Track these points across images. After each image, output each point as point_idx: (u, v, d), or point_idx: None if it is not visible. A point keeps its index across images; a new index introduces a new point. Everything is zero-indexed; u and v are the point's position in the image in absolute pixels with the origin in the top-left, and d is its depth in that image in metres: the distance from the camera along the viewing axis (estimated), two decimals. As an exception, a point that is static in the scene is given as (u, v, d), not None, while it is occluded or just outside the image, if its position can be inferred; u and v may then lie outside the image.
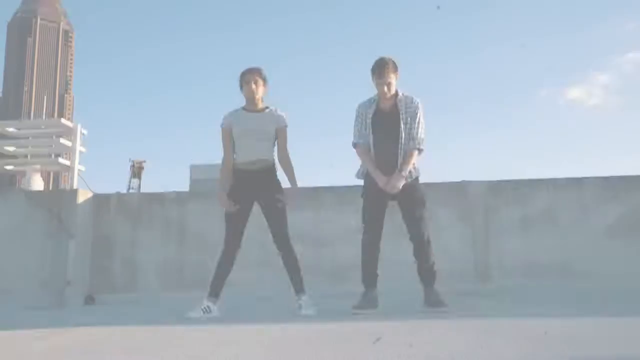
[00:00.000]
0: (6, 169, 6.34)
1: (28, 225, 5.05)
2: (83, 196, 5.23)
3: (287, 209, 3.60)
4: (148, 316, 3.81)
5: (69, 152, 6.14)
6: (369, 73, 3.54)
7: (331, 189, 5.39)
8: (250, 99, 3.67)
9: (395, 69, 3.50)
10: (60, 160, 6.09)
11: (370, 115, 3.54)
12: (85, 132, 6.16)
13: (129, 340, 2.51)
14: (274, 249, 3.64)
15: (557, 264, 5.00)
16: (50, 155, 6.35)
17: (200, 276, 4.86)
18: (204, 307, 3.46)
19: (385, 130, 3.50)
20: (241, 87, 3.69)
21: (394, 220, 3.77)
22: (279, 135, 3.67)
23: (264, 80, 3.70)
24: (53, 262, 4.85)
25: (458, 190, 5.26)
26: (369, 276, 3.52)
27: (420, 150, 3.51)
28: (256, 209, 3.65)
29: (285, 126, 3.70)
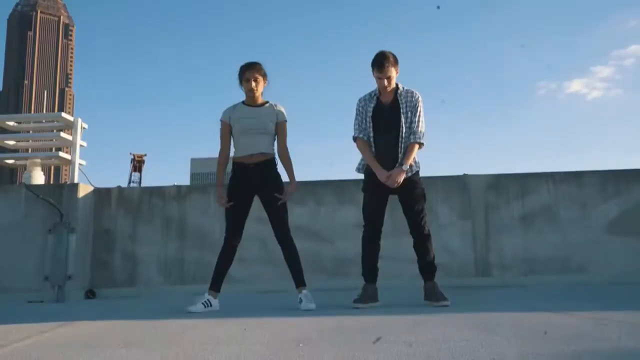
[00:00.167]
0: (7, 163, 6.34)
1: (28, 220, 5.05)
2: (84, 190, 5.23)
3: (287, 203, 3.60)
4: (149, 310, 3.82)
5: (69, 146, 6.13)
6: (369, 67, 3.54)
7: (331, 183, 5.38)
8: (250, 96, 3.66)
9: (396, 62, 3.49)
10: (61, 154, 6.08)
11: (371, 109, 3.53)
12: (85, 126, 6.14)
13: (129, 335, 2.52)
14: (274, 245, 3.64)
15: (557, 259, 5.01)
16: (51, 149, 6.34)
17: (201, 270, 4.89)
18: (205, 301, 3.47)
19: (386, 124, 3.49)
20: (240, 82, 3.68)
21: (393, 217, 3.77)
22: (279, 130, 3.67)
23: (264, 76, 3.69)
24: (53, 256, 4.86)
25: (459, 184, 5.25)
26: (369, 270, 3.53)
27: (420, 145, 3.50)
28: (257, 203, 3.65)
29: (285, 121, 3.69)
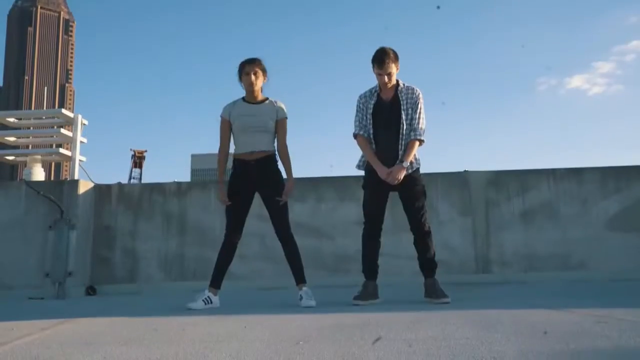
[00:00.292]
0: (7, 159, 6.34)
1: (29, 216, 5.05)
2: (84, 187, 5.23)
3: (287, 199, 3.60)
4: (149, 307, 3.82)
5: (70, 143, 6.13)
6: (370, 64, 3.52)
7: (332, 180, 5.38)
8: (250, 91, 3.64)
9: (396, 59, 3.48)
10: (61, 150, 6.09)
11: (371, 106, 3.52)
12: (86, 122, 6.15)
13: (129, 332, 2.52)
14: (275, 241, 3.64)
15: (557, 255, 5.01)
16: (51, 146, 6.35)
17: (201, 267, 4.89)
18: (205, 298, 3.47)
19: (386, 120, 3.48)
20: (240, 78, 3.66)
21: (394, 214, 3.77)
22: (279, 127, 3.65)
23: (263, 70, 3.67)
24: (54, 253, 4.86)
25: (459, 180, 5.25)
26: (370, 267, 3.53)
27: (421, 141, 3.49)
28: (257, 200, 3.64)
29: (285, 118, 3.68)
